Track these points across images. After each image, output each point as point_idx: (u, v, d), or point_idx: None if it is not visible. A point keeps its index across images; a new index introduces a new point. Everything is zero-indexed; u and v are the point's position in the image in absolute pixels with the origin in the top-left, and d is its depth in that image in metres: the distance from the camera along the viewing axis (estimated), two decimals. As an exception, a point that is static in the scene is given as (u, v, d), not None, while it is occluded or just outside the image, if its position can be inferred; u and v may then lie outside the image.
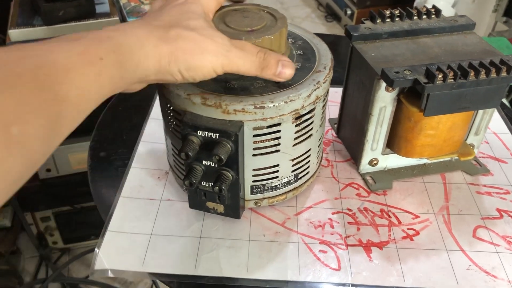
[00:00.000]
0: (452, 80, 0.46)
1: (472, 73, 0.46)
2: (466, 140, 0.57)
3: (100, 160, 0.58)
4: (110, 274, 0.45)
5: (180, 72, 0.36)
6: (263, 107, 0.41)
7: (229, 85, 0.43)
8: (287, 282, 0.44)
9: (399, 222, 0.51)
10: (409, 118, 0.51)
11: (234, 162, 0.42)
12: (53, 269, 1.26)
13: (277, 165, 0.46)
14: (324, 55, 0.48)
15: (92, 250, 1.25)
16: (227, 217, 0.50)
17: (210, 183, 0.44)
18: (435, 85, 0.45)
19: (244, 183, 0.46)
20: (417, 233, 0.50)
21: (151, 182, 0.54)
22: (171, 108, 0.45)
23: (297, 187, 0.50)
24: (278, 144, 0.44)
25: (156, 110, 0.66)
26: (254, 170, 0.45)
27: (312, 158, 0.50)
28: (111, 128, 0.63)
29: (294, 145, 0.45)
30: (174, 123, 0.46)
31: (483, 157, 0.60)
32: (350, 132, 0.59)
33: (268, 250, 0.47)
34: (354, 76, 0.55)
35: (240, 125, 0.41)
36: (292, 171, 0.48)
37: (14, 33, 0.93)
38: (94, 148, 0.60)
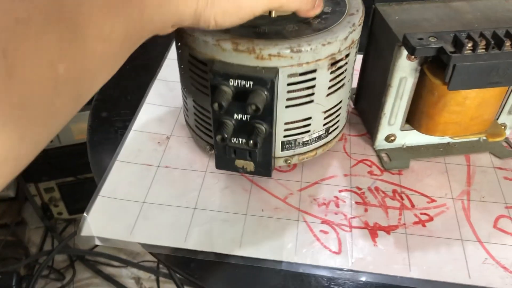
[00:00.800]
0: (484, 51, 0.40)
1: (508, 43, 0.40)
2: (497, 119, 0.51)
3: (101, 120, 0.55)
4: (97, 242, 0.43)
5: (215, 18, 0.33)
6: (300, 51, 0.38)
7: (259, 30, 0.40)
8: (280, 262, 0.41)
9: (412, 206, 0.46)
10: (432, 92, 0.45)
11: (268, 113, 0.39)
12: (59, 240, 1.26)
13: (310, 118, 0.43)
14: None
15: None
16: (227, 188, 0.48)
17: (241, 139, 0.41)
18: (463, 55, 0.40)
19: (275, 138, 0.43)
20: (431, 218, 0.45)
21: (150, 146, 0.52)
22: (196, 58, 0.41)
23: (326, 143, 0.47)
24: (312, 94, 0.42)
25: (164, 72, 0.62)
26: (286, 123, 0.43)
27: (342, 111, 0.47)
28: (117, 87, 0.60)
29: (328, 95, 0.43)
30: (198, 75, 0.42)
31: (516, 139, 0.54)
32: (367, 105, 0.54)
33: (264, 227, 0.44)
34: (375, 42, 0.49)
35: (275, 71, 0.38)
36: (324, 125, 0.45)
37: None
38: (96, 107, 0.57)
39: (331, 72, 0.41)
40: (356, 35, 0.42)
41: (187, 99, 0.47)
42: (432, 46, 0.41)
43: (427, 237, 0.44)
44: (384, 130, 0.50)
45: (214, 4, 0.33)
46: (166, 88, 0.60)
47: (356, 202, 0.46)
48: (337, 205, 0.46)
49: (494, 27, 0.42)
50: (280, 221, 0.44)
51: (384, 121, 0.49)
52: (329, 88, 0.42)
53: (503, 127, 0.51)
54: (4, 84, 0.20)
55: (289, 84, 0.40)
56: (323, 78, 0.41)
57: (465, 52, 0.40)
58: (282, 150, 0.45)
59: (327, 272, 0.41)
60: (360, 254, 0.42)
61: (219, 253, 0.42)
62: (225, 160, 0.43)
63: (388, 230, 0.44)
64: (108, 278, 1.22)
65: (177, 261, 0.42)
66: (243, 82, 0.38)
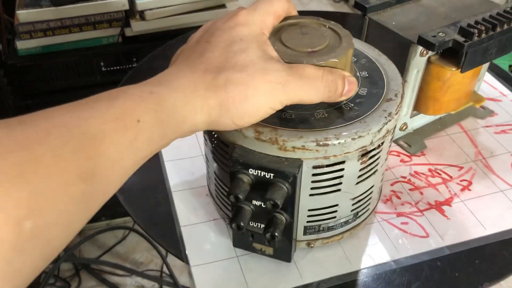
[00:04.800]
0: (484, 34, 0.48)
1: (498, 25, 0.49)
2: (472, 87, 0.61)
3: (130, 189, 0.51)
4: (220, 310, 0.41)
5: (233, 121, 0.33)
6: (327, 144, 0.35)
7: (285, 115, 0.37)
8: (393, 261, 0.44)
9: (450, 177, 0.53)
10: (439, 78, 0.53)
11: (289, 205, 0.37)
12: (65, 249, 1.19)
13: (336, 205, 0.41)
14: (394, 78, 0.42)
15: (103, 231, 1.24)
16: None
17: (259, 224, 0.39)
18: (473, 41, 0.48)
19: (297, 223, 0.41)
20: (470, 182, 0.53)
21: (202, 200, 0.50)
22: (217, 138, 0.39)
23: (354, 226, 0.44)
24: (340, 184, 0.39)
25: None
26: (309, 210, 0.40)
27: (373, 194, 0.44)
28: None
29: (357, 183, 0.40)
30: (220, 154, 0.40)
31: (482, 100, 0.65)
32: (370, 103, 0.60)
33: (357, 238, 0.47)
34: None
35: (299, 164, 0.36)
36: (352, 210, 0.42)
37: (22, 14, 0.92)
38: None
39: (362, 163, 0.38)
40: (391, 124, 0.39)
41: (209, 168, 0.45)
42: (447, 40, 0.48)
43: (479, 198, 0.51)
44: (400, 121, 0.56)
45: (229, 110, 0.32)
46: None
47: (410, 189, 0.52)
48: (398, 197, 0.51)
49: (472, 14, 0.51)
50: (365, 228, 0.47)
51: (401, 113, 0.55)
52: (359, 177, 0.39)
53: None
54: None
55: (314, 175, 0.37)
56: (352, 169, 0.38)
57: (475, 38, 0.47)
58: (304, 234, 0.42)
59: (428, 255, 0.45)
60: (443, 231, 0.47)
61: (336, 276, 0.43)
62: (242, 240, 0.42)
63: (448, 203, 0.50)
64: (113, 287, 1.21)
65: (301, 298, 0.42)
66: (263, 173, 0.36)
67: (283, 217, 0.37)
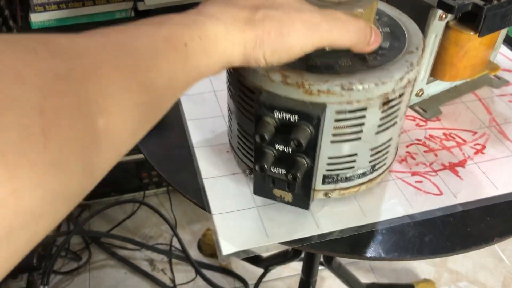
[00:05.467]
0: (504, -2, 0.49)
1: (518, -11, 0.49)
2: (488, 56, 0.62)
3: (153, 143, 0.53)
4: (241, 256, 0.43)
5: (264, 56, 0.34)
6: (351, 89, 0.37)
7: (310, 62, 0.39)
8: (408, 216, 0.46)
9: (464, 141, 0.55)
10: (457, 43, 0.54)
11: (311, 148, 0.38)
12: (75, 224, 1.29)
13: (355, 154, 0.42)
14: (415, 35, 0.43)
15: (112, 205, 1.29)
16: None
17: (281, 170, 0.40)
18: (493, 5, 0.48)
19: (317, 170, 0.42)
20: (484, 146, 0.54)
21: (223, 157, 0.52)
22: (243, 85, 0.41)
23: (371, 179, 0.46)
24: (361, 132, 0.40)
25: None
26: (329, 158, 0.41)
27: (391, 148, 0.45)
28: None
29: (377, 133, 0.41)
30: (245, 101, 0.42)
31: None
32: (387, 70, 0.61)
33: (372, 194, 0.48)
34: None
35: (323, 108, 0.37)
36: (370, 162, 0.43)
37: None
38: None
39: (383, 111, 0.40)
40: (413, 75, 0.40)
41: (232, 121, 0.47)
42: (467, 3, 0.49)
43: (492, 161, 0.52)
44: (417, 86, 0.57)
45: (263, 44, 0.33)
46: (194, 101, 0.59)
47: (425, 151, 0.53)
48: (413, 158, 0.52)
49: (493, -20, 0.51)
50: (380, 185, 0.49)
51: (418, 78, 0.56)
52: (379, 126, 0.41)
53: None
54: (38, 144, 0.19)
55: (336, 120, 0.39)
56: (374, 117, 0.40)
57: (494, 2, 0.48)
58: (323, 183, 0.44)
59: (441, 211, 0.47)
60: (457, 190, 0.49)
61: (351, 227, 0.45)
62: (263, 187, 0.43)
63: (462, 164, 0.52)
64: (123, 260, 1.25)
65: (319, 246, 0.44)
66: (288, 116, 0.37)
67: (305, 161, 0.39)
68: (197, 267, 1.19)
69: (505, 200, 0.48)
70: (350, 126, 0.39)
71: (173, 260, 1.26)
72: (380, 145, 0.43)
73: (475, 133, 0.56)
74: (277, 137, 0.38)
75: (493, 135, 0.55)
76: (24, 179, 0.18)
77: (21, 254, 0.20)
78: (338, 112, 0.38)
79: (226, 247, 0.43)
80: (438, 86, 0.60)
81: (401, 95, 0.40)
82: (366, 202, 0.47)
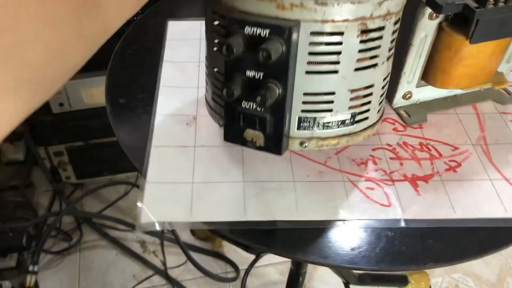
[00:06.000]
0: (503, 4, 0.44)
1: (522, -4, 0.44)
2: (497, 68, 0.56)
3: (120, 107, 0.54)
4: (157, 227, 0.43)
5: None
6: (325, 4, 0.35)
7: None
8: (342, 221, 0.43)
9: (440, 155, 0.50)
10: (450, 47, 0.49)
11: (283, 71, 0.36)
12: (67, 203, 1.29)
13: (333, 93, 0.39)
14: None
15: (105, 186, 1.30)
16: (268, 159, 0.49)
17: (252, 104, 0.39)
18: (487, 9, 0.43)
19: (291, 110, 0.40)
20: (459, 164, 0.49)
21: (180, 128, 0.51)
22: (218, 13, 0.39)
23: (352, 134, 0.43)
24: (338, 63, 0.38)
25: (168, 53, 0.61)
26: (305, 94, 0.39)
27: (373, 99, 0.42)
28: (124, 73, 0.59)
29: (356, 69, 0.39)
30: (218, 34, 0.40)
31: (511, 86, 0.59)
32: (379, 66, 0.57)
33: (314, 191, 0.46)
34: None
35: (296, 23, 0.35)
36: (349, 108, 0.41)
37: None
38: (111, 94, 0.56)
39: (361, 42, 0.38)
40: (393, 6, 0.38)
41: (207, 70, 0.45)
42: (457, 3, 0.44)
43: (461, 181, 0.48)
44: (403, 88, 0.53)
45: None
46: (176, 69, 0.59)
47: (391, 158, 0.50)
48: (375, 163, 0.49)
49: (502, -18, 0.46)
50: (327, 184, 0.47)
51: (404, 79, 0.52)
52: (358, 61, 0.38)
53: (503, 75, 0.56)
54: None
55: (311, 44, 0.36)
56: (351, 45, 0.37)
57: (489, 6, 0.43)
58: (298, 128, 0.41)
59: (382, 224, 0.44)
60: (407, 204, 0.45)
61: (281, 220, 0.43)
62: (234, 130, 0.41)
63: (425, 179, 0.48)
64: (114, 241, 1.25)
65: (240, 233, 0.43)
66: (259, 30, 0.35)
67: (276, 88, 0.37)
68: (187, 251, 1.18)
69: (457, 225, 0.44)
70: (326, 54, 0.37)
71: (165, 243, 1.25)
72: (360, 89, 0.40)
73: (456, 148, 0.51)
74: (247, 60, 0.36)
75: (475, 154, 0.50)
76: (26, 30, 0.19)
77: (26, 110, 0.21)
78: (313, 34, 0.36)
79: (146, 216, 0.43)
80: (432, 92, 0.55)
81: (381, 29, 0.38)
82: (304, 197, 0.45)
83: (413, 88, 0.54)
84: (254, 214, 0.44)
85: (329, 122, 0.41)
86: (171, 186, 0.46)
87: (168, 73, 0.58)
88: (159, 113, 0.53)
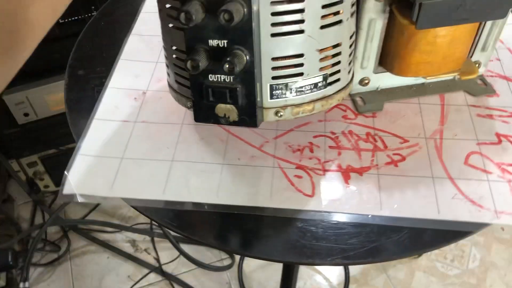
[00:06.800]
0: (449, -13, 0.40)
1: (473, -22, 0.39)
2: (471, 57, 0.51)
3: (77, 78, 0.56)
4: (79, 199, 0.44)
5: None
6: None
7: None
8: (256, 208, 0.43)
9: (385, 147, 0.47)
10: (402, 32, 0.45)
11: (247, 34, 0.35)
12: (49, 213, 1.25)
13: (302, 55, 0.38)
14: None
15: None
16: (203, 139, 0.48)
17: (219, 76, 0.38)
18: (429, -8, 0.39)
19: (261, 79, 0.39)
20: (403, 158, 0.46)
21: (127, 102, 0.52)
22: None
23: (326, 97, 0.42)
24: (302, 21, 0.36)
25: (139, 26, 0.62)
26: (273, 60, 0.38)
27: (343, 58, 0.41)
28: (92, 44, 0.60)
29: (322, 27, 0.38)
30: (175, 8, 0.39)
31: (491, 76, 0.54)
32: (342, 48, 0.54)
33: (241, 175, 0.45)
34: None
35: None
36: (320, 69, 0.40)
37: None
38: (72, 66, 0.57)
39: None
40: None
41: (167, 52, 0.44)
42: (397, -15, 0.40)
43: (399, 177, 0.45)
44: (357, 73, 0.50)
45: None
46: (142, 42, 0.59)
47: (330, 147, 0.47)
48: (311, 150, 0.47)
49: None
50: (256, 169, 0.46)
51: (357, 64, 0.49)
52: (323, 17, 0.37)
53: (476, 65, 0.51)
54: None
55: (273, 3, 0.35)
56: (315, 1, 0.36)
57: (430, -11, 0.39)
58: (271, 97, 0.40)
59: (300, 215, 0.42)
60: (333, 196, 0.43)
61: (195, 202, 0.43)
62: (204, 108, 0.40)
63: (360, 171, 0.45)
64: (104, 244, 1.23)
65: (157, 213, 0.43)
66: None
67: (243, 53, 0.36)
68: (178, 245, 1.17)
69: (381, 223, 0.42)
70: (290, 12, 0.36)
71: (156, 239, 1.23)
72: (329, 48, 0.39)
73: (406, 141, 0.48)
74: (207, 28, 0.36)
75: (425, 149, 0.47)
76: None
77: None
78: None
79: (68, 187, 0.44)
80: (395, 80, 0.52)
81: None
82: (228, 181, 0.45)
83: (370, 74, 0.51)
84: (172, 194, 0.44)
85: (301, 87, 0.40)
86: (101, 160, 0.47)
87: (131, 46, 0.59)
88: (111, 86, 0.54)
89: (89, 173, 0.45)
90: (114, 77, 0.55)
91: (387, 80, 0.52)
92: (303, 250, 0.40)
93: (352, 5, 0.40)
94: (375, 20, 0.45)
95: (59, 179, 1.29)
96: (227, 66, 0.36)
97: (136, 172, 0.45)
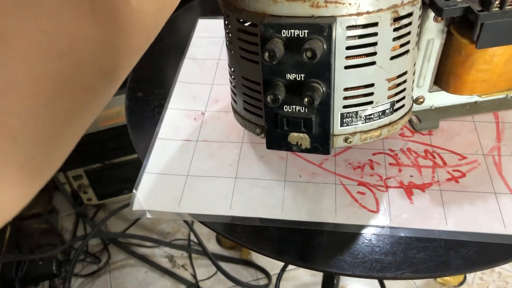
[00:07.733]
0: (511, 7, 0.41)
1: (534, -2, 0.40)
2: (524, 74, 0.52)
3: (137, 100, 0.58)
4: (148, 215, 0.45)
5: None
6: None
7: None
8: (322, 224, 0.43)
9: (444, 164, 0.48)
10: (460, 52, 0.46)
11: (325, 68, 0.36)
12: (91, 225, 1.29)
13: (372, 85, 0.39)
14: None
15: (127, 205, 1.33)
16: (263, 157, 0.50)
17: (295, 106, 0.39)
18: (491, 13, 0.41)
19: (334, 108, 0.40)
20: (463, 175, 0.47)
21: (187, 123, 0.54)
22: (244, 21, 0.39)
23: (392, 123, 0.42)
24: (374, 54, 0.38)
25: (192, 51, 0.64)
26: (345, 90, 0.39)
27: (408, 85, 0.42)
28: (149, 68, 0.63)
29: (392, 58, 0.39)
30: (247, 42, 0.40)
31: (544, 94, 0.55)
32: (394, 69, 0.55)
33: (303, 191, 0.46)
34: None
35: (332, 20, 0.36)
36: (388, 97, 0.41)
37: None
38: (131, 88, 0.60)
39: (395, 30, 0.38)
40: None
41: (235, 80, 0.44)
42: (459, 6, 0.42)
43: (461, 192, 0.45)
44: (413, 92, 0.51)
45: None
46: (196, 66, 0.62)
47: (390, 164, 0.48)
48: (372, 167, 0.48)
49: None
50: (318, 185, 0.47)
51: (414, 84, 0.50)
52: (393, 49, 0.39)
53: (530, 82, 0.52)
54: (87, 16, 0.21)
55: (348, 38, 0.37)
56: (386, 34, 0.38)
57: (493, 9, 0.40)
58: (341, 125, 0.41)
59: (366, 230, 0.43)
60: (397, 212, 0.44)
61: (263, 217, 0.44)
62: (276, 136, 0.41)
63: (422, 187, 0.46)
64: (142, 258, 1.25)
65: (225, 228, 0.44)
66: (297, 32, 0.35)
67: (320, 87, 0.37)
68: (216, 261, 1.18)
69: (447, 237, 0.42)
70: (363, 46, 0.38)
71: (193, 255, 1.25)
72: (397, 77, 0.41)
73: (464, 158, 0.49)
74: (287, 63, 0.37)
75: (484, 165, 0.48)
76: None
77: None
78: (349, 28, 0.36)
79: (138, 204, 0.46)
80: (449, 98, 0.53)
81: (410, 15, 0.38)
82: (291, 197, 0.46)
83: (425, 93, 0.52)
84: (239, 210, 0.45)
85: (370, 115, 0.41)
86: (166, 177, 0.48)
87: (187, 70, 0.61)
88: (171, 107, 0.56)
89: (156, 191, 0.47)
90: (173, 99, 0.57)
91: (441, 98, 0.53)
92: (372, 265, 0.41)
93: (417, 35, 0.42)
94: (433, 40, 0.47)
95: (101, 193, 1.32)
96: (307, 100, 0.37)
97: (202, 189, 0.47)
